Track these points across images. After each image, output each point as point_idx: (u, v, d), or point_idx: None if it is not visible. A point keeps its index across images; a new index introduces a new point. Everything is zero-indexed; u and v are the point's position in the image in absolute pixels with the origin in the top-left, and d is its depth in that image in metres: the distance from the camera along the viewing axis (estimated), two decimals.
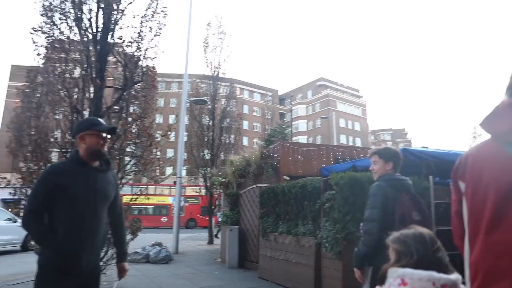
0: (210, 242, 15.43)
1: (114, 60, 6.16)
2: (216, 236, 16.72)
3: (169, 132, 7.07)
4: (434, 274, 1.34)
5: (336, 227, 5.58)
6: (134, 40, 5.82)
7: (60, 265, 2.25)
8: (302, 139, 60.90)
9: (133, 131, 6.27)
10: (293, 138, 54.63)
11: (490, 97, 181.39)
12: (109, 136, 2.54)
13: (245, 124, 58.95)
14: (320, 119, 48.44)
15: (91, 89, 5.59)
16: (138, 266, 9.26)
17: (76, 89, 5.51)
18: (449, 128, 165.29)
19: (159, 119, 38.89)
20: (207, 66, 16.16)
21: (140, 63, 6.01)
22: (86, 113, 5.65)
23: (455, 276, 1.36)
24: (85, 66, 5.45)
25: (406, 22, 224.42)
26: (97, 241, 2.42)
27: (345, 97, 67.20)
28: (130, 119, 5.96)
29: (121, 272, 2.67)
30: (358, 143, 61.18)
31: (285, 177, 8.57)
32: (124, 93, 5.85)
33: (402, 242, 1.47)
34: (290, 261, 6.80)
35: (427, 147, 7.82)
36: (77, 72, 5.59)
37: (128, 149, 6.28)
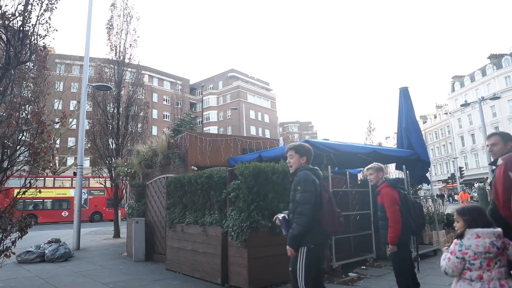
0: (117, 235, 14.64)
1: None
2: None
3: (65, 119, 6.40)
4: (493, 229, 2.45)
5: (241, 216, 5.69)
6: (19, 13, 5.10)
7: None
8: (213, 129, 60.87)
9: (21, 116, 5.57)
10: (204, 128, 54.36)
11: (382, 94, 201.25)
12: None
13: (155, 113, 56.82)
14: (231, 110, 48.88)
15: None
16: (30, 266, 8.39)
17: None
18: (348, 122, 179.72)
19: (58, 104, 35.45)
20: (112, 50, 15.09)
21: (27, 40, 5.32)
22: None
23: (500, 229, 2.48)
24: None
25: (313, 18, 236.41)
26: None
27: (255, 89, 68.71)
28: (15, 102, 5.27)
29: None
30: (268, 134, 63.23)
31: (192, 167, 8.46)
32: (7, 73, 5.14)
33: (467, 214, 2.51)
34: (197, 251, 6.76)
35: (328, 139, 8.38)
36: None
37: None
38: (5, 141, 5.21)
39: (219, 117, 64.73)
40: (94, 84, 12.66)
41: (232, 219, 5.87)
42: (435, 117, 69.86)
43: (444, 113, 64.75)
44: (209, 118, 64.04)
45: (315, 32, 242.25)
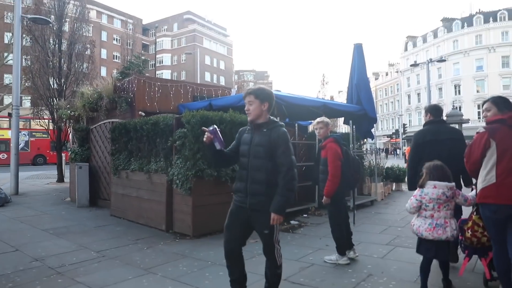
0: (60, 180, 14.13)
1: None
2: None
3: None
4: (447, 183, 3.24)
5: (187, 164, 5.65)
6: None
7: None
8: (166, 73, 58.76)
9: None
10: (157, 72, 52.21)
11: (338, 49, 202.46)
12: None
13: (104, 53, 53.42)
14: (185, 54, 46.98)
15: None
16: None
17: None
18: (303, 74, 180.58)
19: None
20: None
21: None
22: None
23: (453, 183, 3.29)
24: None
25: None
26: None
27: (212, 34, 66.26)
28: None
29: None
30: (222, 81, 62.20)
31: (140, 112, 8.16)
32: None
33: (430, 170, 3.29)
34: (142, 198, 6.71)
35: (279, 91, 8.34)
36: None
37: None
38: None
39: (173, 61, 62.27)
40: (29, 16, 11.45)
41: (177, 167, 5.83)
42: (387, 74, 72.12)
43: (395, 72, 66.90)
44: (162, 61, 61.39)
45: None
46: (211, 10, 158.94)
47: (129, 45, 38.80)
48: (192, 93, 9.32)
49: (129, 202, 7.06)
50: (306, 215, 7.47)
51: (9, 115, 11.31)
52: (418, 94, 58.66)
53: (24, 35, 13.74)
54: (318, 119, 4.58)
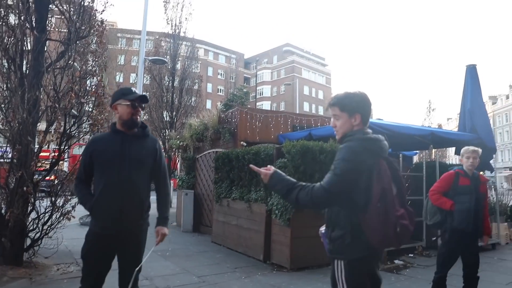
0: None
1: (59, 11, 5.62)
2: None
3: None
4: None
5: None
6: None
7: (96, 227, 2.57)
8: (266, 104, 60.82)
9: (81, 89, 5.86)
10: (257, 103, 54.42)
11: (446, 72, 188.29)
12: (143, 105, 2.70)
13: (209, 87, 57.80)
14: (284, 85, 48.31)
15: (31, 41, 5.11)
16: None
17: (13, 40, 5.00)
18: (407, 101, 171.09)
19: (119, 77, 37.22)
20: (168, 23, 15.45)
21: (86, 15, 5.52)
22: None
23: None
24: (20, 13, 4.90)
25: None
26: (132, 206, 2.59)
27: (310, 64, 67.19)
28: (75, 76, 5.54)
29: (158, 236, 2.80)
30: (321, 111, 62.02)
31: (242, 142, 8.52)
32: (69, 48, 5.39)
33: None
34: (241, 226, 6.87)
35: (381, 119, 7.99)
36: (12, 19, 5.05)
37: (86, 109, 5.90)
38: (67, 112, 5.53)
39: (273, 92, 64.42)
40: (150, 58, 13.04)
41: (277, 197, 5.86)
42: (507, 98, 64.13)
43: None
44: (262, 93, 63.94)
45: (374, 5, 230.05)
46: (310, 41, 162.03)
47: (232, 79, 41.49)
48: (291, 123, 9.45)
49: (229, 230, 7.29)
50: (412, 255, 6.82)
51: None
52: None
53: (145, 74, 15.66)
54: (473, 148, 3.99)
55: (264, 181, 2.23)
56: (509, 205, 9.50)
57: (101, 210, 2.53)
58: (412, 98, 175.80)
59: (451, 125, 66.37)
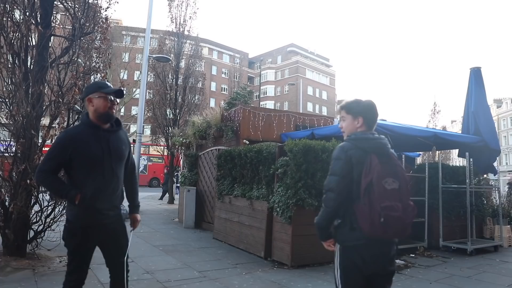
0: (171, 201, 15.42)
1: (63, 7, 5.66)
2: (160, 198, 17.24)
3: (124, 88, 6.69)
4: None
5: (288, 192, 5.65)
6: None
7: (84, 221, 2.50)
8: (270, 104, 60.80)
9: (85, 85, 5.90)
10: (261, 103, 54.46)
11: (451, 74, 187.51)
12: (117, 100, 2.64)
13: (213, 86, 57.81)
14: (288, 85, 48.34)
15: (35, 37, 5.15)
16: None
17: (18, 35, 5.04)
18: (412, 102, 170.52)
19: (123, 74, 37.33)
20: (172, 22, 15.48)
21: (91, 12, 5.56)
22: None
23: None
24: (26, 9, 4.94)
25: None
26: (116, 198, 2.66)
27: (314, 65, 67.11)
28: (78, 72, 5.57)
29: (134, 223, 2.94)
30: (324, 111, 61.99)
31: (244, 140, 8.53)
32: (74, 44, 5.43)
33: None
34: (243, 223, 6.89)
35: (385, 120, 7.96)
36: (17, 15, 5.10)
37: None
38: (70, 107, 5.57)
39: (276, 92, 64.41)
40: (154, 56, 13.07)
41: (278, 195, 5.87)
42: None
43: None
44: (266, 92, 63.97)
45: (379, 6, 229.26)
46: (314, 41, 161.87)
47: (236, 78, 41.58)
48: (294, 123, 9.45)
49: (231, 227, 7.31)
50: (413, 255, 6.81)
51: (134, 141, 12.90)
52: None
53: (149, 72, 15.71)
54: None
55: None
56: None
57: (92, 207, 2.49)
58: (416, 100, 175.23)
59: (456, 128, 66.04)
